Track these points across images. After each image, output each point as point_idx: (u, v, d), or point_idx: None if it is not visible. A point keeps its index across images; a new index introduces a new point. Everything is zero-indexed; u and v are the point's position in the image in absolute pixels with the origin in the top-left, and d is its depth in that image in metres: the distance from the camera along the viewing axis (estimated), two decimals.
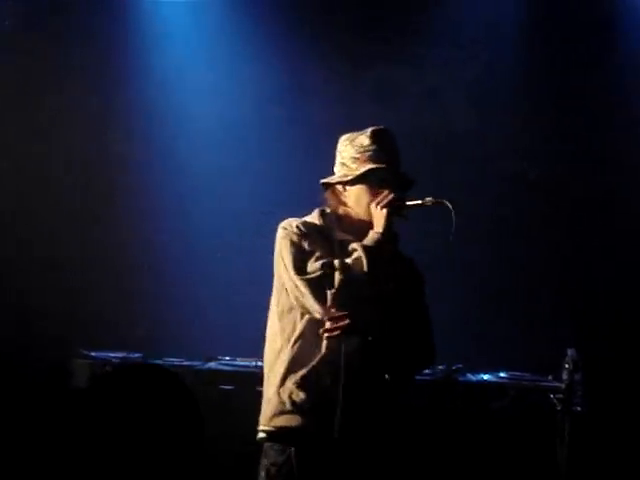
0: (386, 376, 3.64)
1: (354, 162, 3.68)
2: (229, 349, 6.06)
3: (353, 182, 3.67)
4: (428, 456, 5.46)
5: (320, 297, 3.48)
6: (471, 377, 5.73)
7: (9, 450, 5.97)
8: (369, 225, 3.61)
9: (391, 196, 3.58)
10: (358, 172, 3.65)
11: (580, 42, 6.74)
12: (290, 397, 3.54)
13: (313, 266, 3.52)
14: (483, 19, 6.84)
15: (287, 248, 3.58)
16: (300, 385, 3.54)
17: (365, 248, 3.51)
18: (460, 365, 5.74)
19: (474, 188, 6.75)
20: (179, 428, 2.76)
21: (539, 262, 6.70)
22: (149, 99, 6.97)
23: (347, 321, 3.47)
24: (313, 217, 3.72)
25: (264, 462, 3.59)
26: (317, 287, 3.49)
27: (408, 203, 3.60)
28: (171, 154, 6.99)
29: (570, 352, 5.20)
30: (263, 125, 6.90)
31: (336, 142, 3.77)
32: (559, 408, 5.16)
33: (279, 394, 3.57)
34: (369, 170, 3.63)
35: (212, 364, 5.96)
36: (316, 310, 3.50)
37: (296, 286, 3.52)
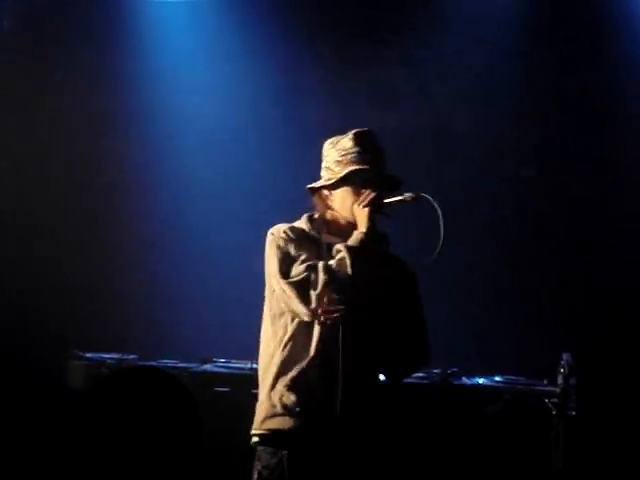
0: (380, 377, 3.67)
1: (337, 165, 3.70)
2: (224, 351, 6.05)
3: (336, 185, 3.69)
4: (424, 459, 5.46)
5: (305, 299, 3.52)
6: (466, 381, 5.71)
7: (8, 451, 5.98)
8: (356, 227, 3.63)
9: (372, 195, 3.60)
10: (340, 175, 3.67)
11: (579, 41, 6.72)
12: (281, 400, 3.58)
13: (297, 269, 3.55)
14: (481, 18, 6.82)
15: (274, 253, 3.62)
16: (290, 387, 3.57)
17: (349, 248, 3.54)
18: (455, 369, 5.72)
19: (473, 188, 6.76)
20: (180, 431, 2.76)
21: (537, 264, 6.69)
22: (147, 99, 6.97)
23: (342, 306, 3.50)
24: (301, 222, 3.75)
25: (257, 465, 3.61)
26: (302, 289, 3.52)
27: (387, 200, 3.61)
28: (168, 154, 6.98)
29: (565, 356, 5.20)
30: (259, 125, 6.89)
31: None
32: (554, 412, 5.17)
33: (270, 397, 3.60)
34: (351, 172, 3.65)
35: (207, 366, 5.95)
36: (302, 312, 3.54)
37: (283, 290, 3.56)
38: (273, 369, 3.61)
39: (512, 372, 5.73)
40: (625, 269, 6.55)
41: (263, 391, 3.64)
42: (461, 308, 6.46)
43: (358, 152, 3.68)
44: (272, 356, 3.63)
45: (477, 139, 6.84)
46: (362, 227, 3.59)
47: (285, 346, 3.60)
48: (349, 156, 3.69)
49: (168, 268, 6.83)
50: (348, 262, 3.50)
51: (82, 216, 6.93)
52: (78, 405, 2.70)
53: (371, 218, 3.59)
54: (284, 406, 3.57)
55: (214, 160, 6.86)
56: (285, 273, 3.57)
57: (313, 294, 3.50)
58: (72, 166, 7.03)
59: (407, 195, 3.60)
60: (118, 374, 2.81)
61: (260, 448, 3.62)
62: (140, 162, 6.96)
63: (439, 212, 3.54)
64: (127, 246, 6.84)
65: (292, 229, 3.68)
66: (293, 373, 3.58)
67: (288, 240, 3.63)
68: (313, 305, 3.50)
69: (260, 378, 3.69)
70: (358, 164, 3.66)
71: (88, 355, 6.03)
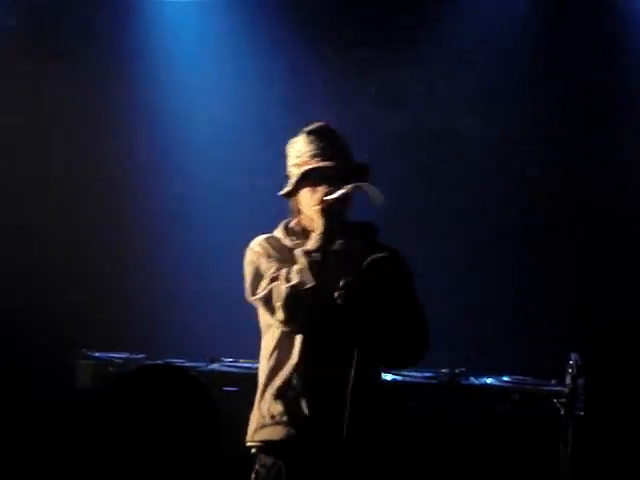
0: (374, 378, 3.63)
1: (296, 167, 3.63)
2: (232, 350, 6.04)
3: (297, 187, 3.61)
4: (431, 460, 5.46)
5: (272, 311, 3.51)
6: (474, 381, 5.70)
7: (18, 452, 5.99)
8: None
9: (321, 192, 3.53)
10: (297, 177, 3.60)
11: (584, 42, 6.72)
12: (269, 410, 3.58)
13: (262, 284, 3.54)
14: (487, 18, 6.82)
15: (247, 270, 3.63)
16: (276, 397, 3.57)
17: (305, 252, 3.49)
18: (463, 369, 5.72)
19: (478, 189, 6.76)
20: (200, 432, 2.76)
21: (543, 264, 6.69)
22: (153, 99, 6.96)
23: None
24: (278, 231, 3.72)
25: (255, 466, 3.63)
26: (267, 303, 3.51)
27: (333, 196, 3.49)
28: (173, 154, 6.98)
29: (574, 356, 5.21)
30: (266, 125, 6.89)
31: None
32: (562, 412, 5.17)
33: (260, 407, 3.61)
34: (306, 172, 3.58)
35: (215, 365, 5.93)
36: (275, 323, 3.53)
37: (257, 306, 3.59)
38: (262, 379, 3.63)
39: (520, 372, 5.72)
40: (632, 269, 6.55)
41: (255, 401, 3.66)
42: (469, 308, 6.46)
43: (311, 150, 3.61)
44: (263, 366, 3.65)
45: (483, 140, 6.83)
46: (318, 228, 3.52)
47: (271, 355, 3.60)
48: (303, 157, 3.61)
49: (175, 267, 6.83)
50: (306, 266, 3.45)
51: (85, 217, 6.92)
52: (98, 402, 2.69)
53: (324, 217, 3.50)
54: (272, 416, 3.56)
55: (221, 159, 6.86)
56: (254, 289, 3.57)
57: (277, 305, 3.47)
58: (72, 166, 7.00)
59: (349, 187, 3.48)
60: (137, 372, 2.80)
61: (257, 459, 3.62)
62: (145, 162, 6.95)
63: (377, 201, 3.46)
64: (135, 245, 6.84)
65: (268, 240, 3.66)
66: (278, 382, 3.57)
67: (261, 254, 3.60)
68: (281, 316, 3.47)
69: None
70: (310, 163, 3.58)
71: (96, 354, 6.02)
